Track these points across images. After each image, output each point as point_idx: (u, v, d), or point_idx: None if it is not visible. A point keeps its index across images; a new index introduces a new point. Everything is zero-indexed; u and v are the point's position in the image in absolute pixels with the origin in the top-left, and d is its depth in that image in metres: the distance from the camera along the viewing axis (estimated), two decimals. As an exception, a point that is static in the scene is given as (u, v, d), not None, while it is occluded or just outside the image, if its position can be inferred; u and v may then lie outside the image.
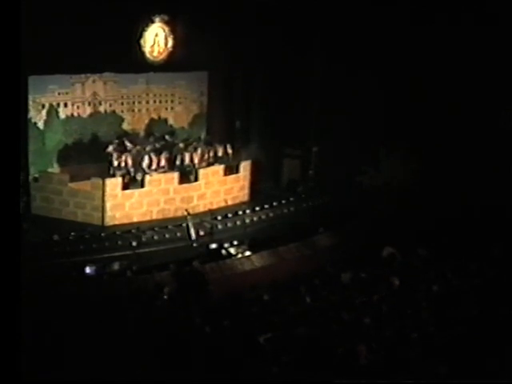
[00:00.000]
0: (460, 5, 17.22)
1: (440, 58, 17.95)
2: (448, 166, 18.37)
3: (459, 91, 17.91)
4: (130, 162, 17.38)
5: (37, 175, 17.31)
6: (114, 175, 17.14)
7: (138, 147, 17.87)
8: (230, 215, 17.80)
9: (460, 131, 18.10)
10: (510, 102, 17.64)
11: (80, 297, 12.75)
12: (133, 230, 16.16)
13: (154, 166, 17.66)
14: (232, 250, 16.18)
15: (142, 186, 17.40)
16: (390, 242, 15.42)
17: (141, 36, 17.69)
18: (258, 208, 18.39)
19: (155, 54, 18.09)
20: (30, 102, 17.11)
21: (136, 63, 17.88)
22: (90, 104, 18.43)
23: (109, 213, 16.90)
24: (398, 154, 19.49)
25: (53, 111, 17.74)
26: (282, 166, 20.85)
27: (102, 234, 16.04)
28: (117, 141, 17.81)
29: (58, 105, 17.85)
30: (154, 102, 19.72)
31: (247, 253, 16.13)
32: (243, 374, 9.32)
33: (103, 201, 16.80)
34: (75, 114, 18.24)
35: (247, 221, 17.68)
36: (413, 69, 18.20)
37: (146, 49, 17.90)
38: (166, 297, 13.06)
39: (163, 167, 17.86)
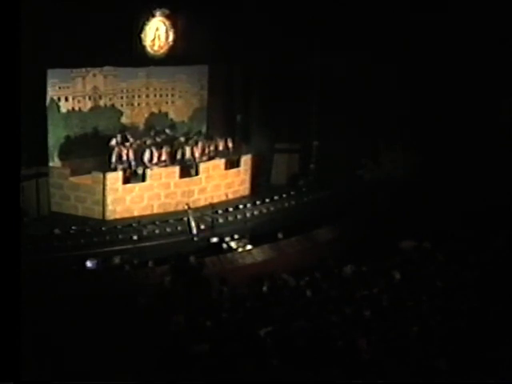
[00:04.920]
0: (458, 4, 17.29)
1: (441, 52, 17.95)
2: (448, 159, 18.38)
3: (460, 84, 17.92)
4: (131, 155, 17.41)
5: (38, 169, 17.32)
6: (115, 169, 17.16)
7: (139, 141, 17.90)
8: (230, 209, 17.84)
9: (460, 124, 18.12)
10: (510, 95, 17.64)
11: (81, 291, 12.78)
12: (134, 224, 16.20)
13: (154, 160, 17.69)
14: (233, 244, 16.22)
15: (143, 180, 17.42)
16: (390, 236, 15.45)
17: (141, 30, 17.68)
18: (258, 202, 18.41)
19: (156, 48, 18.07)
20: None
21: (137, 57, 17.88)
22: (90, 98, 18.44)
23: (110, 207, 16.94)
24: (398, 148, 19.51)
25: (54, 105, 17.73)
26: (281, 160, 20.83)
27: (103, 228, 16.08)
28: (119, 134, 17.83)
29: (59, 99, 17.85)
30: (155, 95, 19.72)
31: (248, 246, 16.16)
32: (244, 368, 9.34)
33: (104, 195, 16.84)
34: (76, 108, 18.25)
35: (248, 215, 17.71)
36: (413, 63, 18.21)
37: (147, 43, 17.89)
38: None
39: (164, 161, 17.88)
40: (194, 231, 16.30)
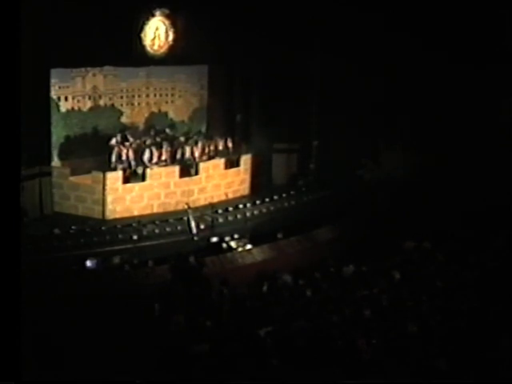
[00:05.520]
0: (457, 4, 17.31)
1: (441, 51, 17.95)
2: (448, 159, 18.38)
3: (460, 84, 17.92)
4: (131, 155, 17.40)
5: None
6: (114, 169, 17.16)
7: (139, 141, 17.91)
8: (230, 209, 17.83)
9: (460, 124, 18.12)
10: (510, 95, 17.65)
11: (81, 291, 12.78)
12: (133, 224, 16.18)
13: (154, 160, 17.69)
14: (233, 244, 16.21)
15: (143, 179, 17.42)
16: (390, 235, 15.46)
17: (141, 30, 17.69)
18: (258, 201, 18.41)
19: (156, 47, 18.08)
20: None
21: (136, 57, 17.89)
22: (90, 98, 18.42)
23: (109, 206, 16.94)
24: (398, 148, 19.52)
25: (53, 105, 17.71)
26: (281, 160, 20.82)
27: (103, 228, 16.07)
28: (119, 134, 17.83)
29: (59, 98, 17.83)
30: (155, 95, 19.71)
31: (248, 246, 16.16)
32: (244, 368, 9.34)
33: (104, 194, 16.84)
34: (75, 108, 18.23)
35: (248, 214, 17.70)
36: (413, 63, 18.22)
37: (147, 42, 17.89)
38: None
39: (164, 161, 17.88)
40: (194, 231, 16.29)
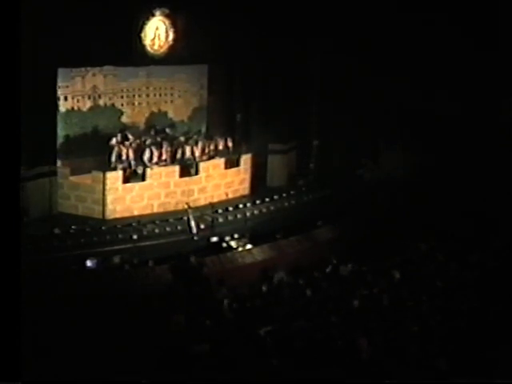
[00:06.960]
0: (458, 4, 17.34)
1: (441, 51, 17.97)
2: (448, 159, 18.40)
3: (460, 84, 17.94)
4: (131, 155, 17.40)
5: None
6: (115, 168, 17.16)
7: (139, 140, 17.91)
8: (230, 208, 17.83)
9: (460, 124, 18.13)
10: (510, 95, 17.67)
11: (81, 290, 12.78)
12: (133, 224, 16.20)
13: (154, 160, 17.69)
14: (233, 243, 16.22)
15: (143, 179, 17.42)
16: (390, 235, 15.47)
17: (141, 29, 17.67)
18: (258, 201, 18.41)
19: (156, 47, 18.06)
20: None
21: (136, 56, 17.87)
22: (89, 97, 18.41)
23: (109, 206, 16.93)
24: (398, 148, 19.52)
25: (53, 105, 17.71)
26: (281, 160, 20.81)
27: (103, 228, 16.07)
28: (119, 134, 17.82)
29: (59, 98, 17.81)
30: (154, 95, 19.70)
31: (248, 246, 16.16)
32: (244, 368, 9.34)
33: (104, 194, 16.84)
34: (75, 108, 18.22)
35: (248, 214, 17.70)
36: (413, 63, 18.23)
37: (147, 42, 17.88)
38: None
39: (164, 160, 17.88)
40: (194, 230, 16.29)
